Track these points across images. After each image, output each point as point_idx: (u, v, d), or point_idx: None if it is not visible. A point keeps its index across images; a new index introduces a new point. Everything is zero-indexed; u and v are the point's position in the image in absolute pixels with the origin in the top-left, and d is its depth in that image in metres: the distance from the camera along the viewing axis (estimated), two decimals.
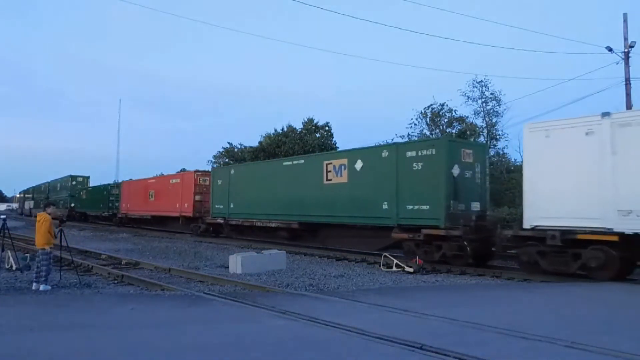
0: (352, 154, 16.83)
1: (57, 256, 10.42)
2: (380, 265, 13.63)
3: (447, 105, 31.56)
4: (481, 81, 30.30)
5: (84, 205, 42.78)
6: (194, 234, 25.16)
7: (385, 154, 15.44)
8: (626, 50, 20.39)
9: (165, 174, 31.77)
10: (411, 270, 12.54)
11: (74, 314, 6.97)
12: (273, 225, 19.71)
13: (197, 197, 25.39)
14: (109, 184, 40.31)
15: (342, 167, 16.78)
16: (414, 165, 14.28)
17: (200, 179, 25.81)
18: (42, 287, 9.21)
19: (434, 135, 30.02)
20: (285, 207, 18.95)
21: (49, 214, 9.70)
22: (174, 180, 28.06)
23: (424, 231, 13.49)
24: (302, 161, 19.29)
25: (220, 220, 23.03)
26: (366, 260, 15.15)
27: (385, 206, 14.96)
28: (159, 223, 29.72)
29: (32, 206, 56.98)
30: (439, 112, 31.64)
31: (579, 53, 72.77)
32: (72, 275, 10.77)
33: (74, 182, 45.24)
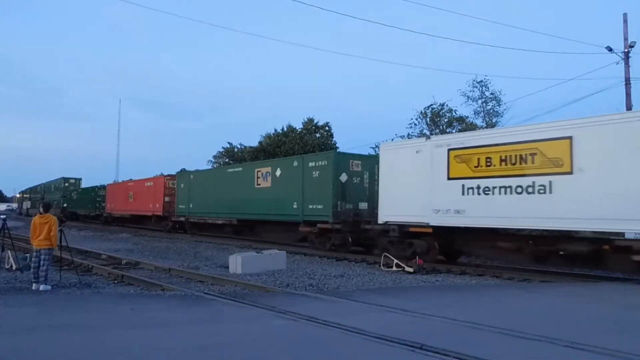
0: (274, 163, 20.93)
1: (57, 256, 10.42)
2: (380, 265, 13.64)
3: (447, 105, 31.59)
4: (481, 81, 30.30)
5: (75, 205, 45.48)
6: (164, 231, 28.58)
7: (295, 163, 19.08)
8: (626, 50, 20.38)
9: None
10: (411, 270, 12.55)
11: (74, 314, 6.97)
12: (220, 222, 23.63)
13: (167, 199, 28.89)
14: (96, 186, 43.75)
15: (267, 174, 20.42)
16: (313, 173, 17.95)
17: (169, 183, 29.07)
18: (42, 287, 9.19)
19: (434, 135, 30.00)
20: (228, 207, 22.59)
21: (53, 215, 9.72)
22: (148, 184, 31.49)
23: (319, 225, 17.46)
24: (241, 169, 23.24)
25: (182, 219, 27.12)
26: (366, 260, 15.16)
27: (295, 206, 18.62)
28: (137, 221, 33.43)
29: (29, 206, 60.11)
30: (439, 112, 31.64)
31: (579, 53, 72.73)
32: (72, 275, 10.77)
33: (66, 184, 48.32)
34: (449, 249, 14.49)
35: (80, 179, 49.44)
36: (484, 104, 30.72)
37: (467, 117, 31.34)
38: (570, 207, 10.90)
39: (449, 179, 13.25)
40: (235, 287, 9.85)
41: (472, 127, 29.94)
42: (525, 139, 11.95)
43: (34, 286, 9.28)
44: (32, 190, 64.35)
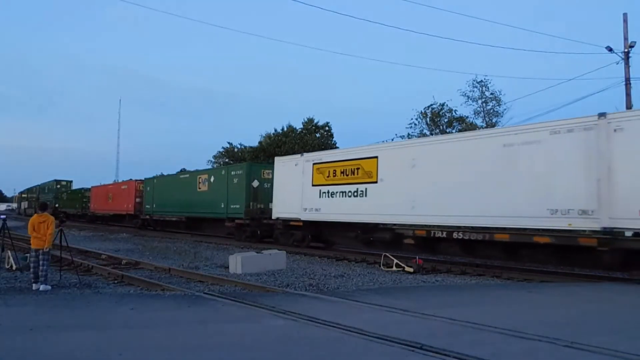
0: (210, 172, 26.27)
1: (57, 256, 10.42)
2: (380, 265, 13.64)
3: (447, 105, 31.61)
4: (481, 81, 30.33)
5: (65, 205, 49.76)
6: (135, 227, 32.80)
7: (223, 172, 24.20)
8: (626, 50, 20.38)
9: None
10: (411, 270, 12.55)
11: (74, 314, 6.96)
12: (174, 219, 28.42)
13: (137, 200, 33.05)
14: (83, 188, 48.00)
15: (206, 180, 25.23)
16: (234, 180, 22.66)
17: (140, 186, 33.37)
18: (41, 287, 9.18)
19: (433, 135, 30.04)
20: (180, 207, 27.52)
21: (50, 215, 9.70)
22: (124, 187, 36.17)
23: (236, 221, 22.12)
24: (188, 175, 28.39)
25: (148, 217, 31.80)
26: (366, 260, 15.18)
27: (222, 206, 23.18)
28: (115, 219, 37.68)
29: (26, 206, 64.50)
30: (439, 112, 31.66)
31: (579, 53, 72.91)
32: (72, 275, 10.76)
33: (58, 186, 53.25)
34: (318, 238, 18.94)
35: (71, 181, 54.16)
36: (484, 104, 30.76)
37: (467, 117, 31.41)
38: (377, 206, 15.07)
39: (312, 185, 17.67)
40: (235, 287, 9.84)
41: (472, 127, 29.97)
42: (354, 157, 16.45)
43: (34, 286, 9.27)
44: (29, 190, 68.43)
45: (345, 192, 16.28)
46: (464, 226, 13.03)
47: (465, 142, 13.53)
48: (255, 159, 35.14)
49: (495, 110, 30.72)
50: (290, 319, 6.38)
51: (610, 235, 10.47)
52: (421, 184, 13.85)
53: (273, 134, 40.79)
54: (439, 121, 31.79)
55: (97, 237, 25.38)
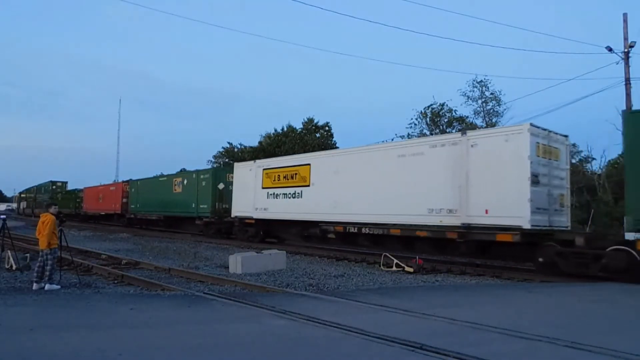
0: (183, 175, 29.14)
1: (57, 256, 10.41)
2: (380, 265, 13.64)
3: (447, 105, 31.58)
4: (481, 81, 30.30)
5: (60, 205, 54.66)
6: (122, 225, 35.20)
7: (194, 176, 26.84)
8: (626, 50, 20.36)
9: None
10: (411, 270, 12.55)
11: (74, 314, 6.96)
12: (154, 217, 30.99)
13: (124, 200, 35.57)
14: (76, 189, 51.06)
15: (180, 182, 28.15)
16: (203, 183, 25.50)
17: (126, 187, 35.80)
18: (47, 287, 9.16)
19: (433, 134, 30.05)
20: (158, 207, 30.17)
21: (53, 214, 9.68)
22: (112, 188, 39.12)
23: (204, 219, 24.97)
24: (165, 179, 30.60)
25: (132, 215, 34.03)
26: (366, 260, 15.18)
27: (193, 206, 26.00)
28: (105, 218, 40.17)
29: (25, 206, 67.15)
30: (439, 112, 31.64)
31: (579, 53, 72.84)
32: (72, 275, 10.75)
33: (54, 187, 55.44)
34: (269, 234, 21.35)
35: (66, 182, 56.59)
36: (484, 104, 30.71)
37: (467, 117, 31.36)
38: (310, 206, 17.64)
39: (262, 188, 20.16)
40: (235, 287, 9.84)
41: (472, 127, 29.95)
42: (293, 164, 19.10)
43: (34, 286, 9.26)
44: (27, 191, 70.74)
45: (286, 194, 18.96)
46: (370, 223, 15.39)
47: (372, 153, 16.06)
48: (255, 159, 35.20)
49: (495, 110, 30.70)
50: (290, 319, 6.38)
51: (466, 230, 12.74)
52: (341, 188, 16.47)
53: (273, 134, 40.76)
54: (438, 121, 31.77)
55: (96, 237, 25.37)
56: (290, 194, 18.69)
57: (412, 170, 14.15)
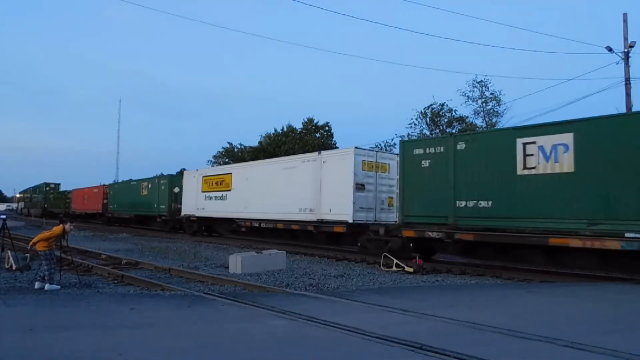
0: (149, 180, 32.51)
1: (57, 256, 10.42)
2: (380, 265, 13.64)
3: (447, 105, 31.61)
4: (481, 81, 30.33)
5: (52, 205, 57.02)
6: (104, 224, 38.97)
7: (156, 181, 31.28)
8: (626, 50, 20.37)
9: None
10: (411, 270, 12.55)
11: (74, 314, 6.96)
12: (127, 216, 35.53)
13: (105, 201, 39.85)
14: (66, 190, 55.18)
15: (146, 187, 32.31)
16: (162, 187, 30.06)
17: (107, 190, 40.21)
18: (47, 287, 9.21)
19: (433, 135, 30.10)
20: (130, 207, 34.59)
21: (65, 230, 9.82)
22: (95, 190, 42.92)
23: (162, 218, 29.76)
24: (135, 183, 34.63)
25: (110, 214, 38.33)
26: (366, 260, 15.17)
27: (155, 206, 30.52)
28: (90, 217, 44.37)
29: (22, 206, 71.02)
30: (439, 112, 31.67)
31: (579, 53, 72.85)
32: (72, 275, 10.76)
33: (47, 188, 58.99)
34: (209, 229, 26.36)
35: (59, 184, 59.99)
36: (484, 104, 30.75)
37: (467, 117, 31.39)
38: (232, 206, 22.26)
39: (202, 192, 24.92)
40: (235, 287, 9.84)
41: (472, 127, 29.98)
42: (221, 172, 24.19)
43: (36, 284, 9.34)
44: (25, 192, 74.95)
45: (217, 196, 23.71)
46: (265, 219, 20.02)
47: (267, 166, 21.18)
48: (255, 159, 35.20)
49: (495, 110, 30.74)
50: (290, 319, 6.38)
51: (320, 224, 17.25)
52: (249, 193, 21.14)
53: (273, 134, 40.79)
54: (438, 121, 31.80)
55: (96, 237, 25.39)
56: (219, 196, 23.56)
57: (290, 179, 18.77)
